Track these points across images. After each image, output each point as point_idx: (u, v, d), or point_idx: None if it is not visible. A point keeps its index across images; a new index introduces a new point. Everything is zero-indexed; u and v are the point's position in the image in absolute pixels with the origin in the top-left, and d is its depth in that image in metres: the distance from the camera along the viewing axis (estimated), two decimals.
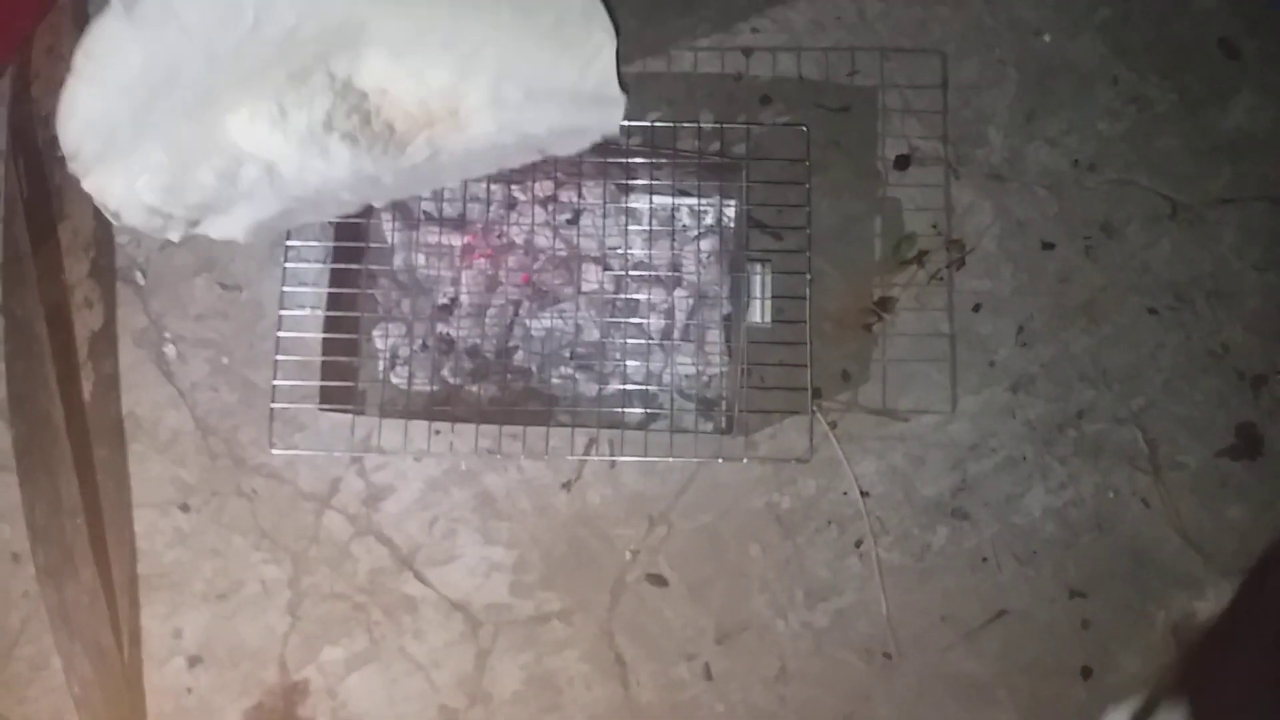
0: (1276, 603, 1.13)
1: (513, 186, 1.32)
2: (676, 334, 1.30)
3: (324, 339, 1.24)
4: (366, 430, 1.32)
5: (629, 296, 1.30)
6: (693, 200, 1.34)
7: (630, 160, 1.22)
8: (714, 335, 1.31)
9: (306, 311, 1.23)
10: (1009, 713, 1.30)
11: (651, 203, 1.31)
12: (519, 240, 1.32)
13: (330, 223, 1.25)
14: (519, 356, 1.31)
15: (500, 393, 1.31)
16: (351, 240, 1.31)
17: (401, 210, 1.33)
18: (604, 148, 1.16)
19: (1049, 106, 1.43)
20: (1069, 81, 1.44)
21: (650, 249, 1.31)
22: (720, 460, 1.28)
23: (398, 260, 1.34)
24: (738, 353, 1.26)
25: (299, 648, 1.33)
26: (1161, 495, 1.34)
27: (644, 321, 1.30)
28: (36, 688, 1.32)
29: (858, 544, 1.33)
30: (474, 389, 1.31)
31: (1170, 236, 1.40)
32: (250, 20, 0.99)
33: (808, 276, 1.20)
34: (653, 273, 1.30)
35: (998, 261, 1.39)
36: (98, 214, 1.40)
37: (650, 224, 1.31)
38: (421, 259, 1.33)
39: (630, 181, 1.26)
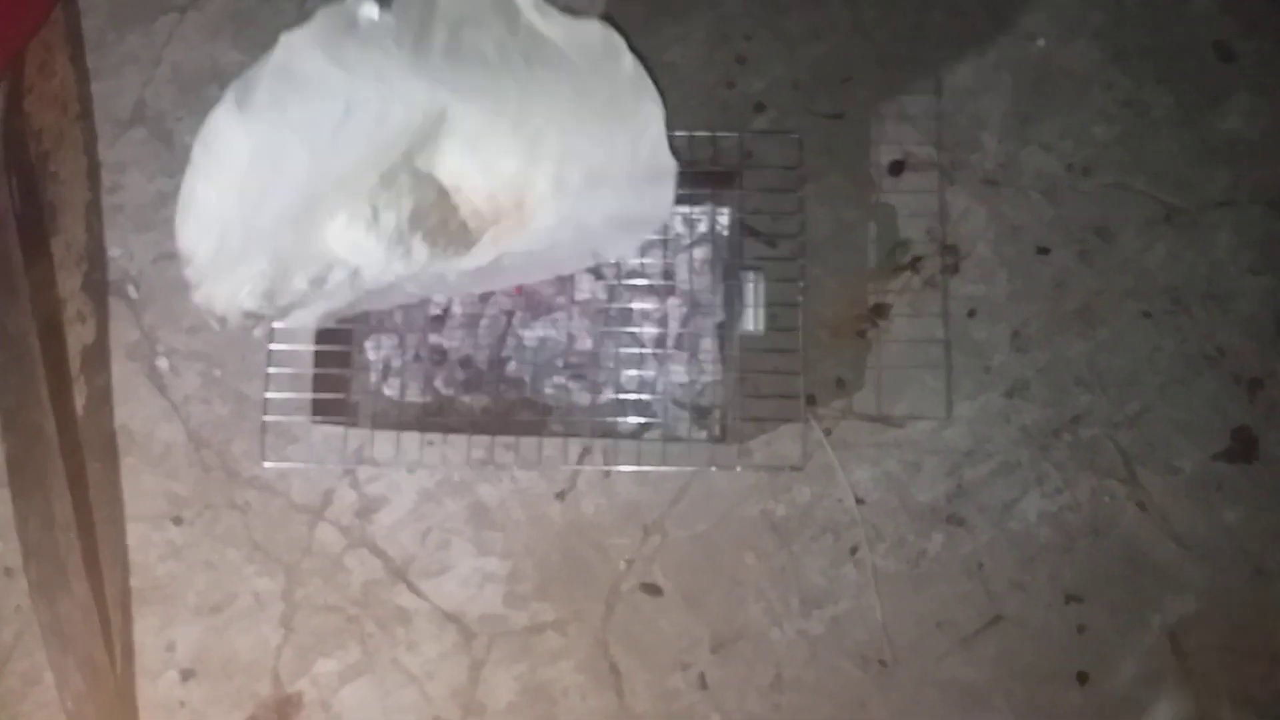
0: None
1: None
2: (670, 342, 1.30)
3: (316, 351, 1.24)
4: (359, 442, 1.32)
5: (622, 305, 1.30)
6: (686, 208, 1.33)
7: None
8: (708, 343, 1.31)
9: (298, 324, 1.23)
10: (1005, 718, 1.30)
11: None
12: None
13: None
14: (512, 366, 1.31)
15: (493, 403, 1.31)
16: None
17: None
18: None
19: (1043, 111, 1.43)
20: (1063, 86, 1.44)
21: (643, 257, 1.31)
22: (714, 468, 1.28)
23: None
24: (731, 361, 1.26)
25: (292, 660, 1.33)
26: (1157, 499, 1.34)
27: (637, 330, 1.30)
28: (29, 703, 1.32)
29: (853, 551, 1.33)
30: (467, 399, 1.31)
31: (1165, 240, 1.39)
32: (342, 109, 0.98)
33: (801, 284, 1.20)
34: (646, 281, 1.30)
35: (992, 267, 1.38)
36: (90, 228, 1.41)
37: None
38: None
39: None
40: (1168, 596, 1.32)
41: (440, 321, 1.31)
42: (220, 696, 1.32)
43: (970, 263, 1.39)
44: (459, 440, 1.30)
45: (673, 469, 1.29)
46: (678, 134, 1.23)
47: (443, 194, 1.07)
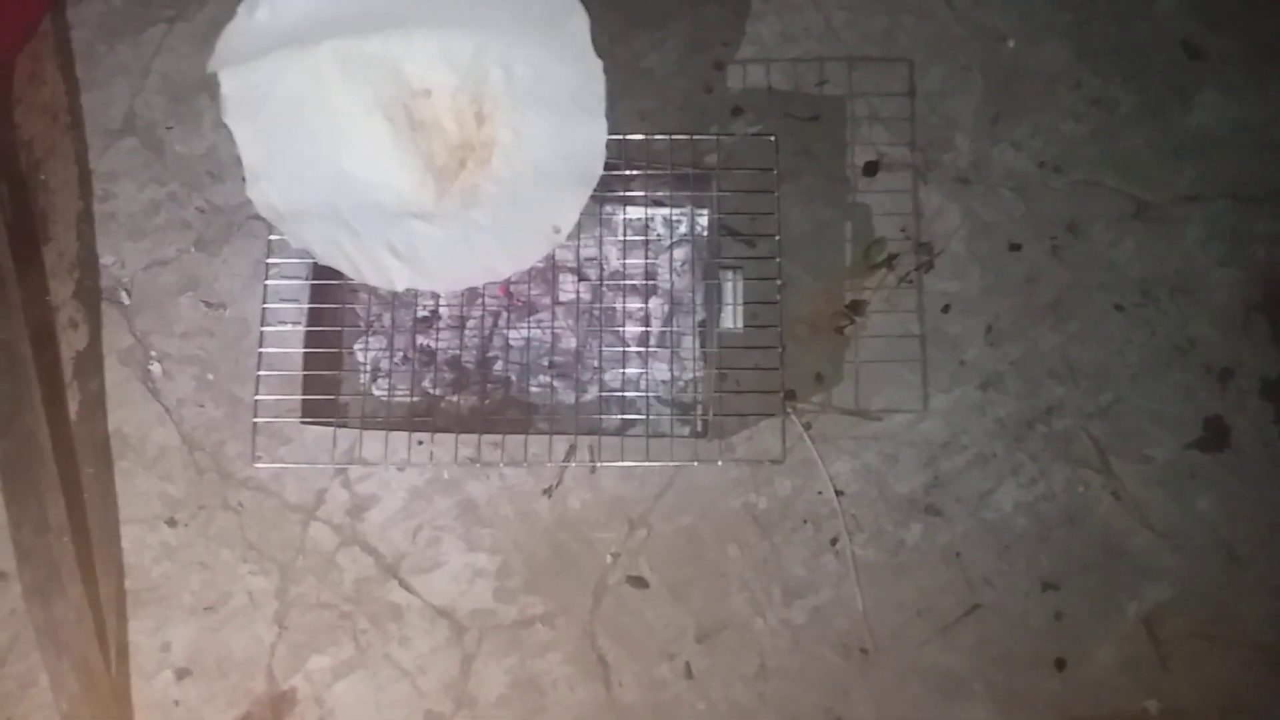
0: None
1: None
2: (652, 341, 1.32)
3: (306, 353, 1.26)
4: (350, 442, 1.34)
5: (606, 305, 1.33)
6: (666, 210, 1.36)
7: (605, 172, 1.24)
8: (689, 341, 1.33)
9: (288, 327, 1.25)
10: (985, 705, 1.33)
11: (626, 213, 1.33)
12: None
13: None
14: (498, 366, 1.33)
15: (480, 402, 1.33)
16: None
17: None
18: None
19: (1014, 111, 1.46)
20: (1034, 86, 1.47)
21: (625, 258, 1.33)
22: (697, 463, 1.31)
23: None
24: (712, 358, 1.28)
25: (286, 657, 1.35)
26: (1131, 488, 1.36)
27: (620, 329, 1.32)
28: (25, 705, 1.34)
29: (833, 542, 1.36)
30: (454, 399, 1.33)
31: (1135, 235, 1.43)
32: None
33: (779, 282, 1.22)
34: (628, 281, 1.33)
35: (966, 263, 1.42)
36: (81, 236, 1.43)
37: (625, 234, 1.34)
38: None
39: (605, 193, 1.29)
40: (1143, 584, 1.35)
41: (428, 323, 1.34)
42: (215, 695, 1.34)
43: (944, 259, 1.42)
44: (447, 439, 1.32)
45: (657, 464, 1.31)
46: (657, 137, 1.26)
47: (422, 95, 1.14)
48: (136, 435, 1.40)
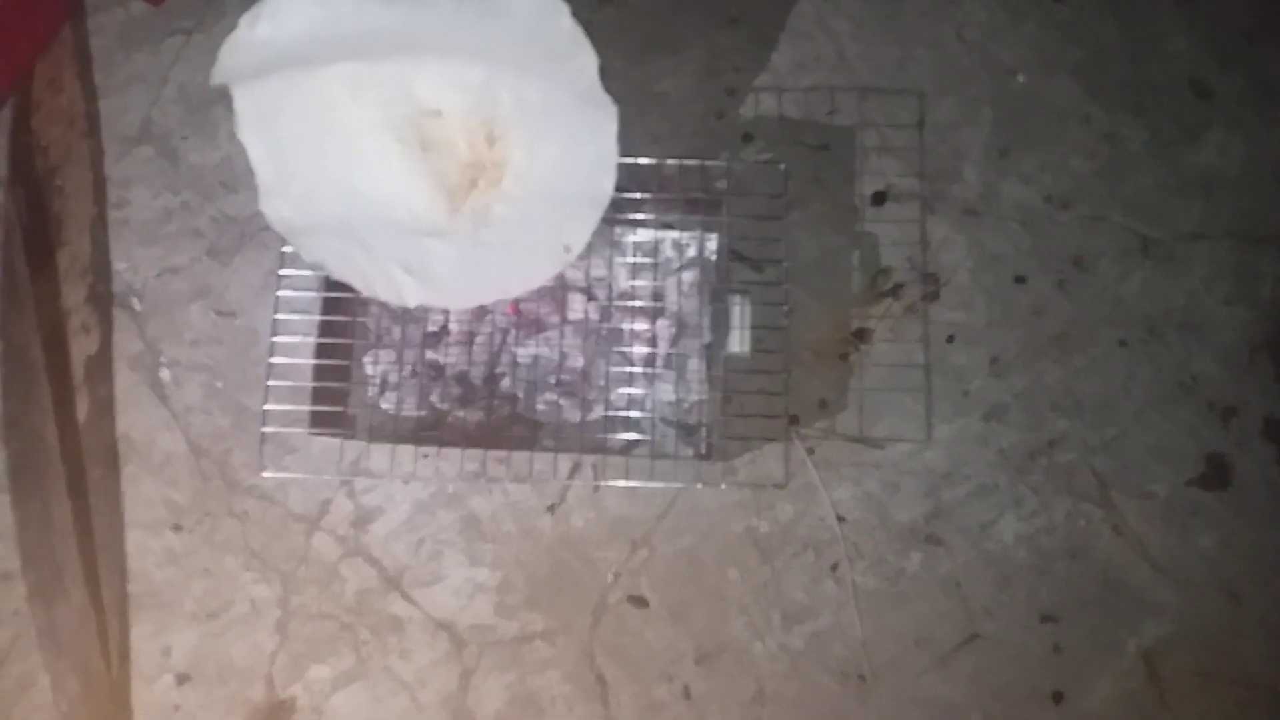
0: None
1: None
2: (659, 362, 1.33)
3: (315, 365, 1.27)
4: (356, 454, 1.35)
5: (613, 325, 1.34)
6: (676, 233, 1.37)
7: (616, 195, 1.25)
8: (695, 364, 1.34)
9: (299, 338, 1.26)
10: None
11: (636, 236, 1.35)
12: None
13: None
14: (505, 383, 1.34)
15: (487, 418, 1.34)
16: None
17: None
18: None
19: (1023, 144, 1.47)
20: (1043, 120, 1.48)
21: (634, 280, 1.34)
22: (700, 485, 1.31)
23: None
24: (718, 381, 1.29)
25: (286, 666, 1.35)
26: (1132, 523, 1.37)
27: (627, 350, 1.33)
28: (24, 706, 1.34)
29: (833, 568, 1.36)
30: (461, 414, 1.34)
31: (1142, 271, 1.43)
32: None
33: (785, 308, 1.23)
34: (637, 303, 1.34)
35: (972, 294, 1.42)
36: (95, 242, 1.45)
37: (635, 256, 1.35)
38: None
39: (616, 216, 1.30)
40: (1143, 619, 1.35)
41: (437, 338, 1.35)
42: (214, 701, 1.34)
43: (950, 290, 1.43)
44: (453, 454, 1.33)
45: (660, 485, 1.32)
46: (668, 162, 1.28)
47: (433, 115, 1.15)
48: (144, 440, 1.41)
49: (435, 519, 1.38)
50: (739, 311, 1.28)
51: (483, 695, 1.34)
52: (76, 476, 1.36)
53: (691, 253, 1.38)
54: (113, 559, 1.36)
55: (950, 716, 1.33)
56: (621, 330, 1.34)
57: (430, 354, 1.35)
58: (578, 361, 1.34)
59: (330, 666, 1.35)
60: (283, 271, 1.25)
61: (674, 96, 1.48)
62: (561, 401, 1.33)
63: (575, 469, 1.37)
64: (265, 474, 1.35)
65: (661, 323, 1.34)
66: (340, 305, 1.28)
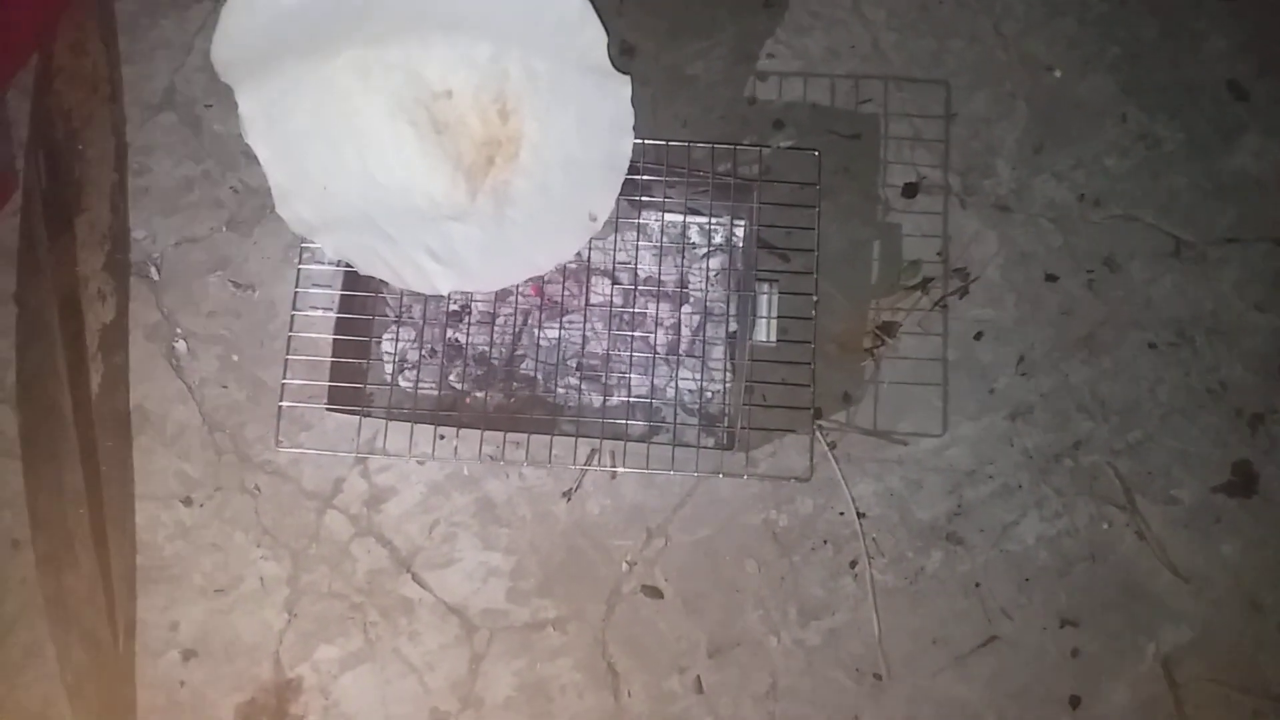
0: None
1: None
2: (682, 349, 1.32)
3: (335, 340, 1.26)
4: (372, 432, 1.33)
5: (636, 310, 1.32)
6: (703, 219, 1.36)
7: (643, 177, 1.24)
8: (718, 352, 1.32)
9: (319, 313, 1.25)
10: None
11: (663, 220, 1.33)
12: None
13: None
14: (526, 365, 1.33)
15: (505, 400, 1.32)
16: None
17: None
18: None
19: (1057, 141, 1.45)
20: (1078, 117, 1.46)
21: (659, 265, 1.33)
22: (721, 475, 1.29)
23: None
24: (741, 370, 1.27)
25: (294, 645, 1.34)
26: (1155, 529, 1.35)
27: (650, 336, 1.31)
28: (29, 674, 1.33)
29: (852, 564, 1.35)
30: (480, 395, 1.32)
31: (1173, 274, 1.41)
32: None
33: (814, 298, 1.21)
34: (661, 288, 1.32)
35: (1001, 291, 1.40)
36: (115, 209, 1.43)
37: (661, 240, 1.33)
38: None
39: (643, 198, 1.28)
40: (1163, 626, 1.34)
41: (458, 317, 1.33)
42: (220, 678, 1.33)
43: (979, 286, 1.41)
44: (470, 435, 1.31)
45: (678, 474, 1.30)
46: (699, 144, 1.26)
47: (444, 97, 1.13)
48: (157, 412, 1.39)
49: (450, 501, 1.36)
50: (767, 300, 1.25)
51: (492, 681, 1.33)
52: (88, 445, 1.34)
53: (718, 239, 1.36)
54: (122, 530, 1.34)
55: (965, 718, 1.32)
56: (645, 315, 1.33)
57: (451, 333, 1.33)
58: (599, 346, 1.32)
59: (339, 647, 1.33)
60: (305, 244, 1.24)
61: (704, 80, 1.46)
62: (582, 386, 1.32)
63: (593, 455, 1.35)
64: (281, 449, 1.34)
65: (685, 309, 1.33)
66: (361, 281, 1.27)
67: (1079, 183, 1.44)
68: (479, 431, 1.26)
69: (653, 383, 1.31)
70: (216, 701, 1.33)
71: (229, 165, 1.46)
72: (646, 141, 1.19)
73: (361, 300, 1.29)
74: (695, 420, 1.32)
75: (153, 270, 1.43)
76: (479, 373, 1.33)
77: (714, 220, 1.36)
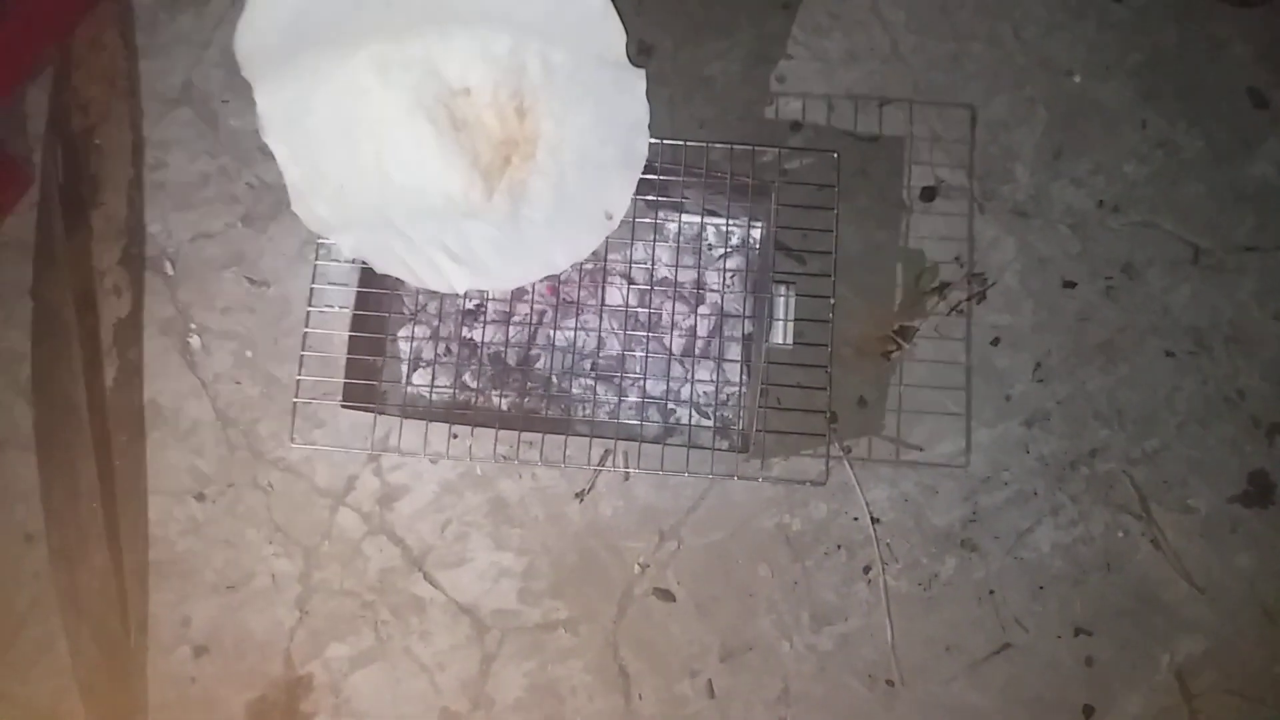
0: None
1: None
2: (697, 351, 1.31)
3: (350, 337, 1.25)
4: (385, 430, 1.33)
5: (652, 311, 1.31)
6: (720, 220, 1.35)
7: (660, 178, 1.23)
8: (734, 354, 1.32)
9: (334, 309, 1.24)
10: None
11: (680, 221, 1.32)
12: None
13: None
14: (540, 365, 1.32)
15: (520, 400, 1.32)
16: None
17: None
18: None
19: (1076, 147, 1.44)
20: (1097, 123, 1.45)
21: (676, 266, 1.32)
22: (736, 478, 1.29)
23: None
24: (757, 373, 1.26)
25: (305, 643, 1.33)
26: (1170, 538, 1.34)
27: (665, 337, 1.31)
28: (41, 669, 1.33)
29: (866, 570, 1.34)
30: (494, 395, 1.32)
31: (1191, 281, 1.41)
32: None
33: (831, 301, 1.21)
34: (677, 289, 1.31)
35: (1018, 297, 1.40)
36: (131, 203, 1.43)
37: (677, 241, 1.32)
38: None
39: (659, 198, 1.28)
40: (1178, 635, 1.33)
41: (473, 316, 1.33)
42: (231, 674, 1.33)
43: (997, 292, 1.40)
44: (484, 434, 1.31)
45: (692, 476, 1.29)
46: (716, 145, 1.25)
47: (462, 94, 1.13)
48: (171, 407, 1.39)
49: (462, 500, 1.36)
50: (785, 303, 1.25)
51: (503, 681, 1.32)
52: (102, 440, 1.35)
53: (735, 240, 1.35)
54: (135, 526, 1.35)
55: None
56: (660, 316, 1.32)
57: (466, 332, 1.33)
58: (614, 347, 1.31)
59: (350, 645, 1.33)
60: (321, 240, 1.23)
61: (722, 81, 1.46)
62: (596, 386, 1.31)
63: (607, 456, 1.35)
64: (295, 445, 1.34)
65: (701, 311, 1.32)
66: (377, 278, 1.26)
67: (1098, 189, 1.43)
68: (493, 431, 1.26)
69: (668, 384, 1.30)
70: (227, 698, 1.33)
71: (245, 161, 1.46)
72: (664, 142, 1.19)
73: (377, 297, 1.28)
74: (710, 423, 1.32)
75: (168, 265, 1.43)
76: (493, 371, 1.32)
77: (731, 221, 1.35)
